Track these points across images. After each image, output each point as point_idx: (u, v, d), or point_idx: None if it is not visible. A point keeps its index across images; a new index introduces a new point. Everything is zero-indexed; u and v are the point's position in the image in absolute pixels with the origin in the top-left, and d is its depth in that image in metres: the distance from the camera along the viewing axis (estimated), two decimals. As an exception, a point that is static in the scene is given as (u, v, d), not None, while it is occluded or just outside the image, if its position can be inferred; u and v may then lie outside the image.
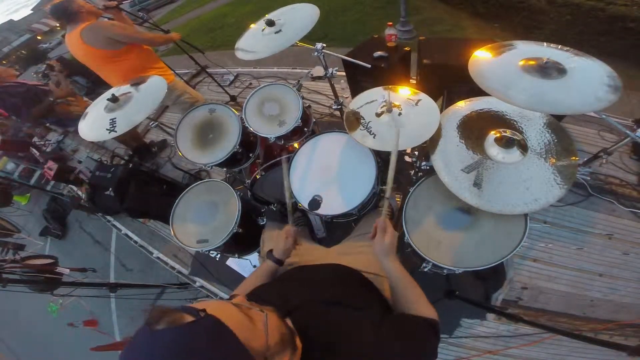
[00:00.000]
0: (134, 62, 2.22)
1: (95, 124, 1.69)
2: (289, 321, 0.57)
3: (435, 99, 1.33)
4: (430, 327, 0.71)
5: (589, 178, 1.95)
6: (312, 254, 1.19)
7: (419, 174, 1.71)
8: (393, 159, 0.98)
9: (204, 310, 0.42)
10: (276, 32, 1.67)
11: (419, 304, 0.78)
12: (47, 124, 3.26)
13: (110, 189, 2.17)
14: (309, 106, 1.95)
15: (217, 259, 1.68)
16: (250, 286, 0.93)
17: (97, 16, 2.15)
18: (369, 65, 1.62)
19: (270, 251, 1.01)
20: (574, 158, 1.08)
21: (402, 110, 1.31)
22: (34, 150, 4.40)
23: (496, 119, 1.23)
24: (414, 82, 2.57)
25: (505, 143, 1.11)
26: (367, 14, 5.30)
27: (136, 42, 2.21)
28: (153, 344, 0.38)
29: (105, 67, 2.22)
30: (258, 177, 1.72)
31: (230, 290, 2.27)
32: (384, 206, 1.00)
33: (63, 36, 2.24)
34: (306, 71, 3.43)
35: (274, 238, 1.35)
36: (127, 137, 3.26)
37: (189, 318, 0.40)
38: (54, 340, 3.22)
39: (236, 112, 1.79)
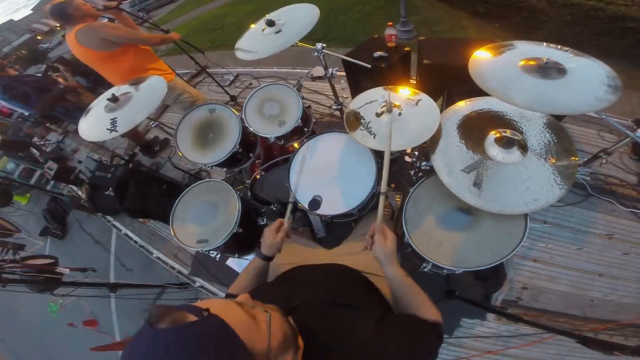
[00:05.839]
0: (132, 63, 2.21)
1: (95, 123, 1.69)
2: (291, 320, 0.56)
3: (435, 99, 1.33)
4: (433, 329, 0.71)
5: (589, 178, 1.95)
6: (313, 254, 1.19)
7: (419, 174, 1.71)
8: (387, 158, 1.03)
9: (207, 310, 0.41)
10: (276, 32, 1.67)
11: (423, 308, 0.77)
12: (55, 115, 3.22)
13: (110, 189, 2.18)
14: (309, 106, 1.95)
15: (217, 259, 1.68)
16: (242, 284, 0.93)
17: (95, 18, 2.13)
18: (369, 65, 1.62)
19: (259, 247, 0.99)
20: (574, 158, 1.08)
21: (402, 110, 1.31)
22: (34, 150, 4.41)
23: (496, 119, 1.23)
24: (414, 82, 2.57)
25: (505, 143, 1.11)
26: (367, 14, 5.30)
27: (131, 43, 2.19)
28: (155, 344, 0.37)
29: (103, 68, 2.22)
30: (258, 177, 1.73)
31: (230, 290, 2.28)
32: (380, 207, 0.94)
33: (63, 36, 2.25)
34: (306, 71, 3.43)
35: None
36: (129, 136, 3.27)
37: (192, 317, 0.39)
38: (54, 340, 3.22)
39: (236, 112, 1.79)
